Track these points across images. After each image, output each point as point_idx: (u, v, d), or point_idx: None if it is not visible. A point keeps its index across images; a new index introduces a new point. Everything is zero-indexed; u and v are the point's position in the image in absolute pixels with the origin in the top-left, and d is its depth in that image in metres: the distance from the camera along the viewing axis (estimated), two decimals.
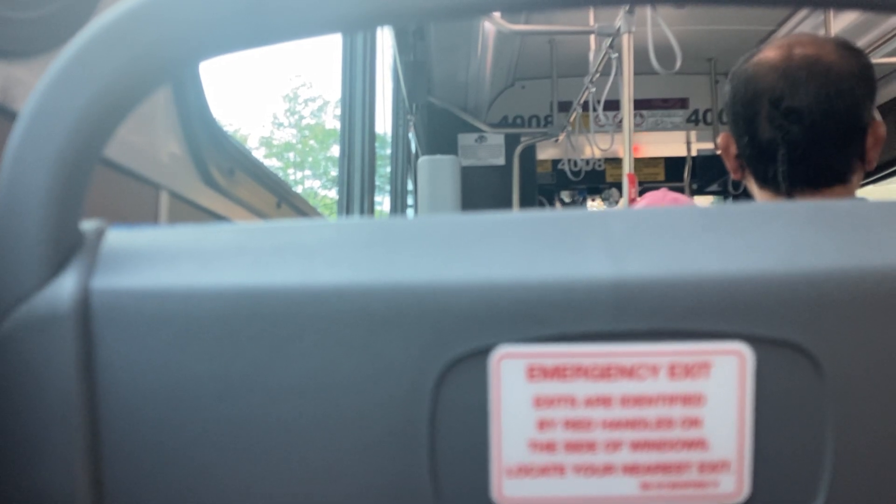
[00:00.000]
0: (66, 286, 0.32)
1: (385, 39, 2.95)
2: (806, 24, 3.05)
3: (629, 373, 0.31)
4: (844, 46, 0.91)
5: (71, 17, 0.74)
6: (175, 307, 0.32)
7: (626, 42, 2.17)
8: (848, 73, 0.88)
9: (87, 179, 0.33)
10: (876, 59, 2.17)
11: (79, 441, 0.31)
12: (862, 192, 0.95)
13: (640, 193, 2.14)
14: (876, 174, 3.41)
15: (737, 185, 4.27)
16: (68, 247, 0.33)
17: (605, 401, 0.31)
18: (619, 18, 2.21)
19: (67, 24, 0.73)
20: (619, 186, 4.47)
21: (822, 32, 2.49)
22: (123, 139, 0.89)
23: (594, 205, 5.05)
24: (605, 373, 0.31)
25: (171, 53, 0.32)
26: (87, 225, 0.34)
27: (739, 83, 0.94)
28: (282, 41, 0.33)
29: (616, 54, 2.32)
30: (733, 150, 0.97)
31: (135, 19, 0.32)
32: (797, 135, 0.88)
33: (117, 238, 0.34)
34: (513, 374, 0.31)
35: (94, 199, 0.81)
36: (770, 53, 0.92)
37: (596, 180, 4.68)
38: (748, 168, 0.96)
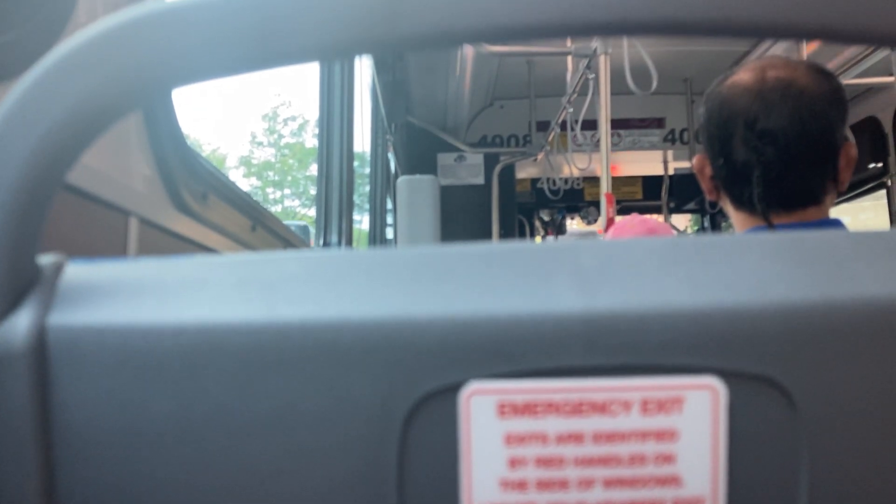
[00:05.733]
0: (20, 323, 0.31)
1: (364, 60, 2.95)
2: (779, 46, 3.10)
3: (601, 408, 0.30)
4: (816, 69, 0.92)
5: (36, 42, 0.73)
6: (135, 344, 0.31)
7: (603, 63, 2.19)
8: (820, 96, 0.89)
9: (46, 211, 0.32)
10: (846, 81, 2.21)
11: (33, 483, 0.30)
12: (834, 212, 0.95)
13: (619, 212, 2.15)
14: (847, 194, 3.46)
15: (714, 203, 4.31)
16: (24, 282, 0.32)
17: (577, 437, 0.30)
18: (596, 40, 2.23)
19: (32, 51, 0.72)
20: (597, 205, 4.50)
21: (794, 55, 2.53)
22: (89, 164, 0.87)
23: (573, 223, 5.09)
24: (577, 409, 0.30)
25: (138, 81, 0.31)
26: (45, 259, 0.33)
27: (714, 105, 0.95)
28: (257, 70, 0.32)
29: (593, 75, 2.34)
30: (708, 171, 0.98)
31: (101, 46, 0.31)
32: (772, 156, 0.89)
33: (76, 272, 0.33)
34: (483, 411, 0.30)
35: (58, 227, 0.79)
36: (744, 76, 0.93)
37: (575, 199, 4.71)
38: (723, 189, 0.97)
